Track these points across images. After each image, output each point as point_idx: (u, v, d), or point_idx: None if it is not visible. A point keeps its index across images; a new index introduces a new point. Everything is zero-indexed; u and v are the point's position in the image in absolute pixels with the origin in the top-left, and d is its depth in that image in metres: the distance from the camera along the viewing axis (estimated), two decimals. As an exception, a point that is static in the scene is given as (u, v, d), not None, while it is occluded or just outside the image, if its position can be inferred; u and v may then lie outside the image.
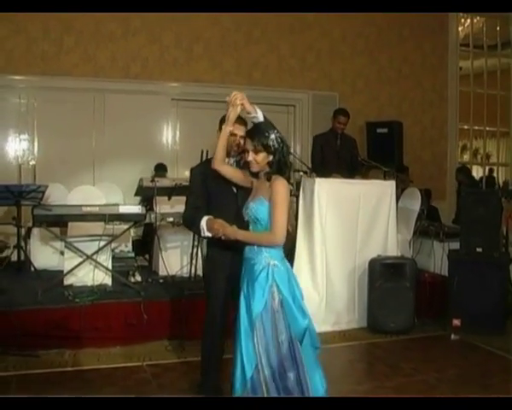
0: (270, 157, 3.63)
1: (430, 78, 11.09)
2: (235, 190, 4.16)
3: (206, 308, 4.33)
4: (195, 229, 4.13)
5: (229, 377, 4.23)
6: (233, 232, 3.70)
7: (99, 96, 9.23)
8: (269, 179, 3.62)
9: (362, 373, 5.30)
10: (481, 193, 8.30)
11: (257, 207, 3.59)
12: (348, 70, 10.48)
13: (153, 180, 6.59)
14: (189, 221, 4.28)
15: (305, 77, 10.23)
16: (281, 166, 3.65)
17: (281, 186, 3.56)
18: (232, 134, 4.08)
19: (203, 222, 3.95)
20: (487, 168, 12.41)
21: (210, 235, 3.91)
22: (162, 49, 9.49)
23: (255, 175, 3.74)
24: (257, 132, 3.70)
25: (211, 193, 4.21)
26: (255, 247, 3.61)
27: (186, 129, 9.65)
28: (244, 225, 3.76)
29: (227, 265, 4.12)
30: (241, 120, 4.13)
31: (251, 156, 3.63)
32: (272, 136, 3.64)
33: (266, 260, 3.56)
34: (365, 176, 7.53)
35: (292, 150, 8.46)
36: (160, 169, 8.78)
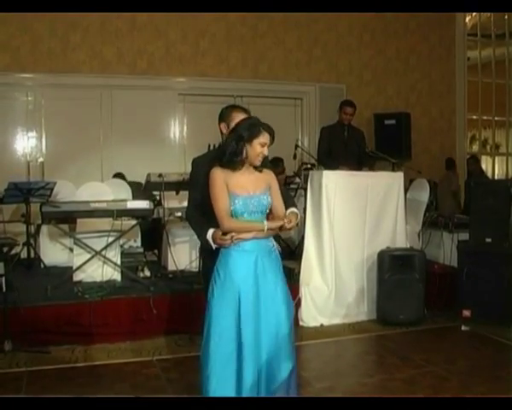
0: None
1: (438, 68, 11.05)
2: None
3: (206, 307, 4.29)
4: (201, 239, 4.06)
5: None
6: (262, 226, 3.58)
7: (106, 93, 9.28)
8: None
9: (372, 365, 5.28)
10: (490, 183, 8.26)
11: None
12: (355, 62, 10.46)
13: (160, 175, 6.60)
14: (192, 224, 4.11)
15: (312, 70, 10.22)
16: None
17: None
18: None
19: (209, 236, 3.83)
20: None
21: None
22: (168, 44, 9.51)
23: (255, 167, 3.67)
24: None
25: None
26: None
27: (193, 123, 9.68)
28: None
29: None
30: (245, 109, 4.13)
31: (266, 151, 3.65)
32: None
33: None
34: (372, 167, 7.50)
35: (299, 143, 8.43)
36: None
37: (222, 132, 4.13)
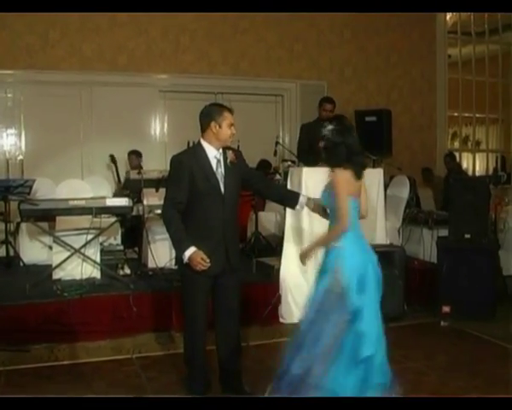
0: (321, 144, 3.95)
1: (418, 65, 11.10)
2: (223, 190, 4.10)
3: (184, 307, 4.32)
4: (176, 248, 4.09)
5: (215, 369, 4.30)
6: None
7: (86, 89, 9.24)
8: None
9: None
10: (469, 180, 8.33)
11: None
12: (336, 59, 10.49)
13: (139, 172, 6.58)
14: (171, 229, 4.08)
15: (293, 66, 10.23)
16: (329, 154, 3.91)
17: (334, 176, 3.84)
18: (231, 124, 4.13)
19: (188, 253, 3.95)
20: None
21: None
22: (149, 41, 9.47)
23: None
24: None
25: (197, 190, 4.04)
26: None
27: (174, 120, 9.66)
28: (232, 232, 4.10)
29: (209, 255, 4.05)
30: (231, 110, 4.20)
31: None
32: (329, 126, 3.93)
33: None
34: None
35: (280, 140, 8.44)
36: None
37: (210, 131, 4.12)
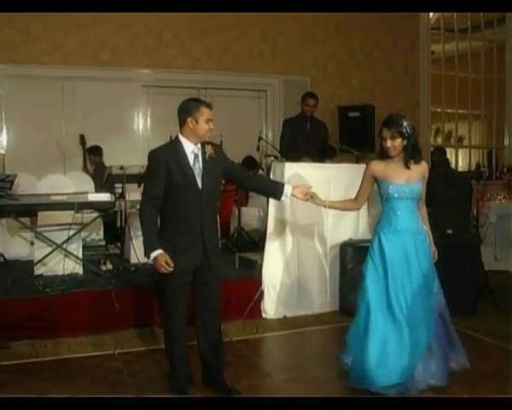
0: (405, 142, 4.22)
1: (402, 61, 11.14)
2: (200, 185, 4.09)
3: (163, 303, 4.33)
4: (144, 245, 4.10)
5: (197, 365, 4.30)
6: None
7: (68, 84, 9.19)
8: (405, 163, 4.26)
9: (335, 356, 5.30)
10: (452, 175, 8.35)
11: (419, 187, 4.33)
12: (319, 54, 10.49)
13: (122, 167, 6.55)
14: (145, 225, 4.11)
15: (277, 62, 10.23)
16: (413, 149, 4.27)
17: (425, 167, 4.43)
18: (209, 120, 4.10)
19: (153, 256, 4.01)
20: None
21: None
22: (132, 35, 9.43)
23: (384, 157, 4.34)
24: (392, 122, 4.25)
25: (174, 185, 4.04)
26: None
27: (157, 115, 9.62)
28: (210, 227, 4.13)
29: (186, 250, 4.09)
30: (210, 104, 4.18)
31: (389, 143, 4.22)
32: (405, 123, 4.22)
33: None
34: (333, 159, 7.55)
35: (263, 135, 8.44)
36: None
37: (187, 126, 4.11)
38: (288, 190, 4.53)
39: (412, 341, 4.21)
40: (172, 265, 3.98)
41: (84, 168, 8.71)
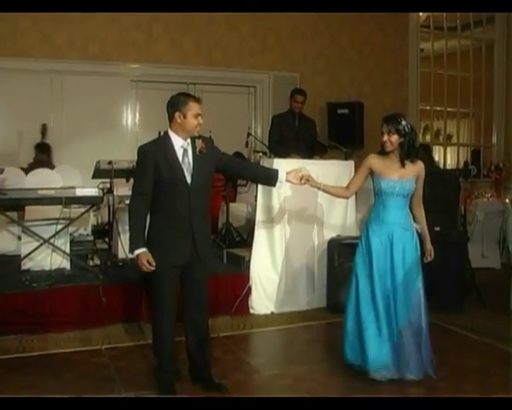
0: (401, 139, 4.42)
1: (391, 59, 11.13)
2: (189, 180, 4.09)
3: (151, 298, 4.32)
4: (130, 240, 4.11)
5: (184, 360, 4.30)
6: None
7: (57, 78, 9.13)
8: (401, 161, 4.46)
9: (322, 352, 5.34)
10: (440, 173, 8.38)
11: (411, 185, 4.51)
12: (309, 51, 10.47)
13: (110, 162, 6.53)
14: (132, 221, 4.12)
15: (266, 58, 10.20)
16: (409, 148, 4.45)
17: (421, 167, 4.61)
18: (198, 115, 4.09)
19: (136, 253, 4.04)
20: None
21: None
22: (121, 29, 9.36)
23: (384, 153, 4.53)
24: (391, 118, 4.47)
25: (162, 180, 4.04)
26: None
27: (146, 111, 9.58)
28: (200, 222, 4.13)
29: (175, 245, 4.10)
30: (199, 99, 4.19)
31: (385, 137, 4.45)
32: (403, 122, 4.42)
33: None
34: (323, 156, 7.56)
35: (252, 131, 8.44)
36: None
37: (175, 121, 4.11)
38: (282, 176, 4.57)
39: (389, 331, 4.44)
40: (154, 264, 4.01)
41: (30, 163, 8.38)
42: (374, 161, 4.59)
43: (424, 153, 9.92)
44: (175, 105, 4.10)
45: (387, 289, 4.47)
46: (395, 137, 4.42)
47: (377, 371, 4.42)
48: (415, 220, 4.69)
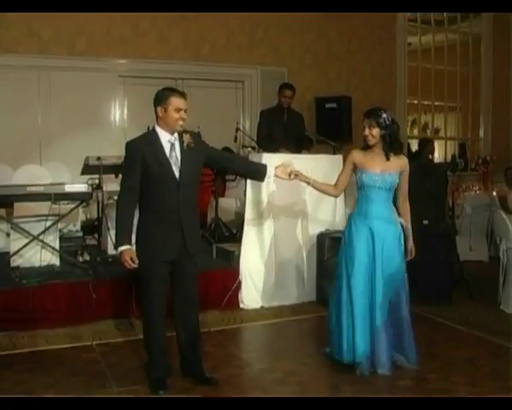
0: (382, 132, 4.45)
1: (379, 53, 11.17)
2: (177, 175, 4.10)
3: (141, 293, 4.33)
4: (116, 235, 4.14)
5: (175, 355, 4.31)
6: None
7: (44, 74, 9.09)
8: (386, 154, 4.48)
9: (312, 346, 5.35)
10: (428, 166, 8.41)
11: (393, 179, 4.53)
12: (297, 45, 10.49)
13: (99, 158, 6.52)
14: (118, 215, 4.15)
15: (254, 52, 10.20)
16: (392, 141, 4.48)
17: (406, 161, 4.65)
18: (179, 109, 4.09)
19: (120, 250, 4.08)
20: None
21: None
22: (109, 24, 9.31)
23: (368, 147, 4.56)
24: (372, 112, 4.52)
25: (150, 175, 4.05)
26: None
27: (134, 106, 9.54)
28: (189, 216, 4.14)
29: (164, 240, 4.11)
30: (182, 93, 4.20)
31: (367, 131, 4.49)
32: (384, 115, 4.46)
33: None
34: (310, 150, 7.58)
35: (240, 126, 8.44)
36: None
37: (158, 116, 4.13)
38: (271, 171, 4.61)
39: (366, 323, 4.49)
40: (137, 262, 4.05)
41: None
42: (356, 155, 4.61)
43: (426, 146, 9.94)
44: (157, 100, 4.14)
45: (368, 282, 4.50)
46: (376, 130, 4.45)
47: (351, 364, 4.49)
48: (399, 216, 4.69)
